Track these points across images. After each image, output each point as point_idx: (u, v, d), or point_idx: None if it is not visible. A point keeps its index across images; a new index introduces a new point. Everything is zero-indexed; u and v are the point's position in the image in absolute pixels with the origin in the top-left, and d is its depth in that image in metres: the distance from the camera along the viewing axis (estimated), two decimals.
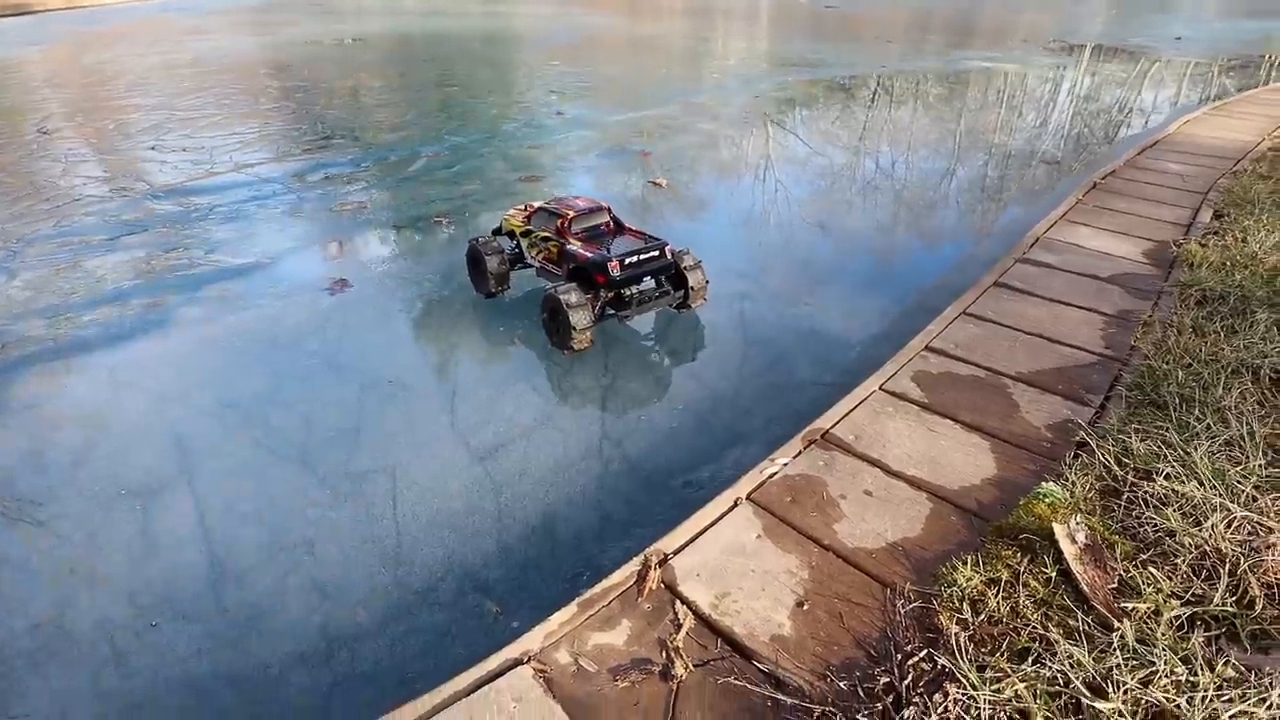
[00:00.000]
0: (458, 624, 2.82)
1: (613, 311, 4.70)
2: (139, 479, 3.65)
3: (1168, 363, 3.83)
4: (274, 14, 27.43)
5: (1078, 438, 3.33)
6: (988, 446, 3.33)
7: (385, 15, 27.56)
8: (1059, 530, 2.62)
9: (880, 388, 3.81)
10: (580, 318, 4.37)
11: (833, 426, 3.49)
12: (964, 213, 7.57)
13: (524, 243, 5.24)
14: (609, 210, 5.02)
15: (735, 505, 2.99)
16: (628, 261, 4.48)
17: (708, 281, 4.98)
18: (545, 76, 15.10)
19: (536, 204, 5.28)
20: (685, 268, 4.87)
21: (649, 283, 4.85)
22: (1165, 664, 2.12)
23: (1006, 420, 3.52)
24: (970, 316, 4.55)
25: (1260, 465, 2.95)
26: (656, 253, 4.63)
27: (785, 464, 3.24)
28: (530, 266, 5.28)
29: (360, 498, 3.49)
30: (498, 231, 5.52)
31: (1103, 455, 3.09)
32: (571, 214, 4.87)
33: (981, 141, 10.34)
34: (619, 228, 5.00)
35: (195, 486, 3.59)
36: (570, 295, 4.41)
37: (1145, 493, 2.84)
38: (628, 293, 4.68)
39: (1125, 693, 2.04)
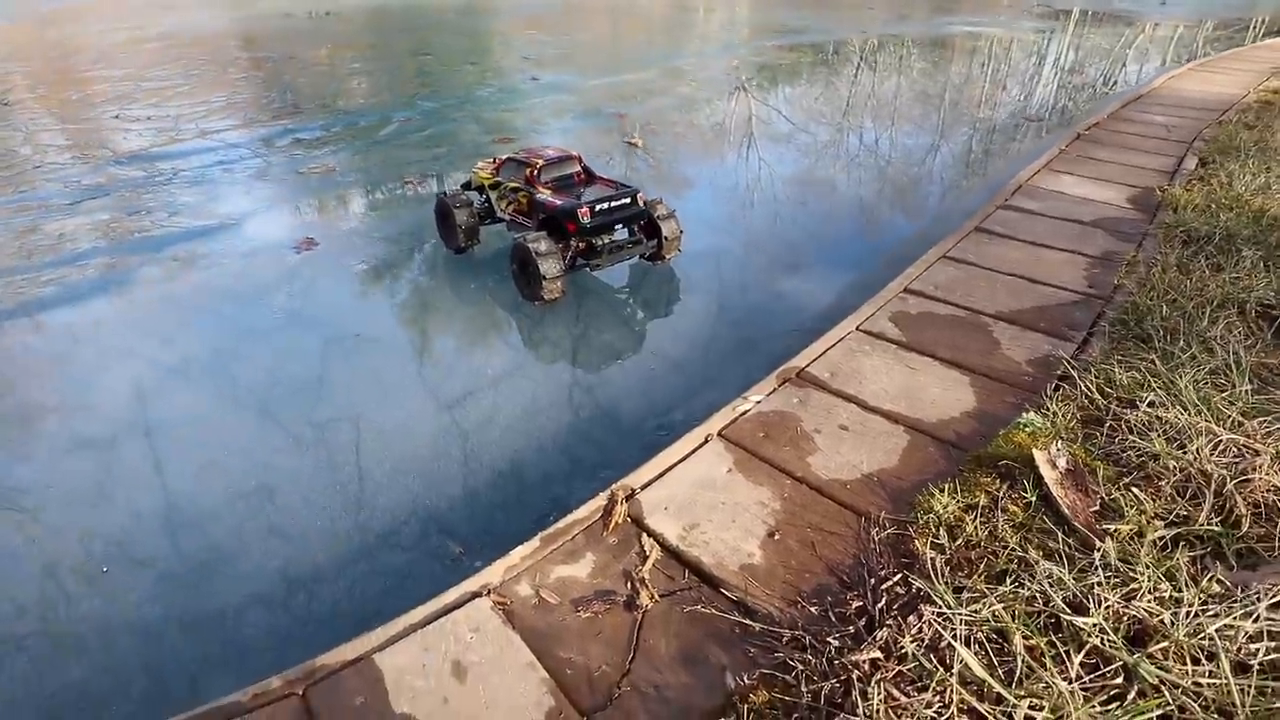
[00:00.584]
0: (419, 565, 2.71)
1: (584, 261, 4.52)
2: (96, 431, 3.50)
3: (1152, 299, 3.74)
4: None
5: (1059, 371, 3.25)
6: (967, 381, 3.24)
7: None
8: (1039, 456, 2.53)
9: (857, 328, 3.70)
10: (550, 266, 4.20)
11: (808, 365, 3.39)
12: (946, 168, 7.44)
13: (493, 195, 5.06)
14: (579, 159, 4.84)
15: (706, 441, 2.89)
16: (598, 208, 4.33)
17: (681, 231, 4.83)
18: (521, 44, 14.78)
19: (504, 156, 5.09)
20: (658, 217, 4.70)
21: (621, 232, 4.69)
22: (1149, 581, 2.04)
23: (986, 356, 3.42)
24: (950, 260, 4.45)
25: (1247, 391, 2.87)
26: (628, 200, 4.47)
27: (759, 401, 3.13)
28: (501, 220, 5.11)
29: (323, 446, 3.36)
30: (467, 186, 5.32)
31: (1085, 386, 3.00)
32: (540, 162, 4.69)
33: (965, 101, 10.19)
34: (590, 177, 4.82)
35: (154, 438, 3.45)
36: (539, 244, 4.25)
37: (1128, 420, 2.76)
38: (599, 242, 4.51)
39: (1106, 608, 1.96)
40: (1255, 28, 17.38)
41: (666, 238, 4.73)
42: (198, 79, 11.61)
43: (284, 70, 12.41)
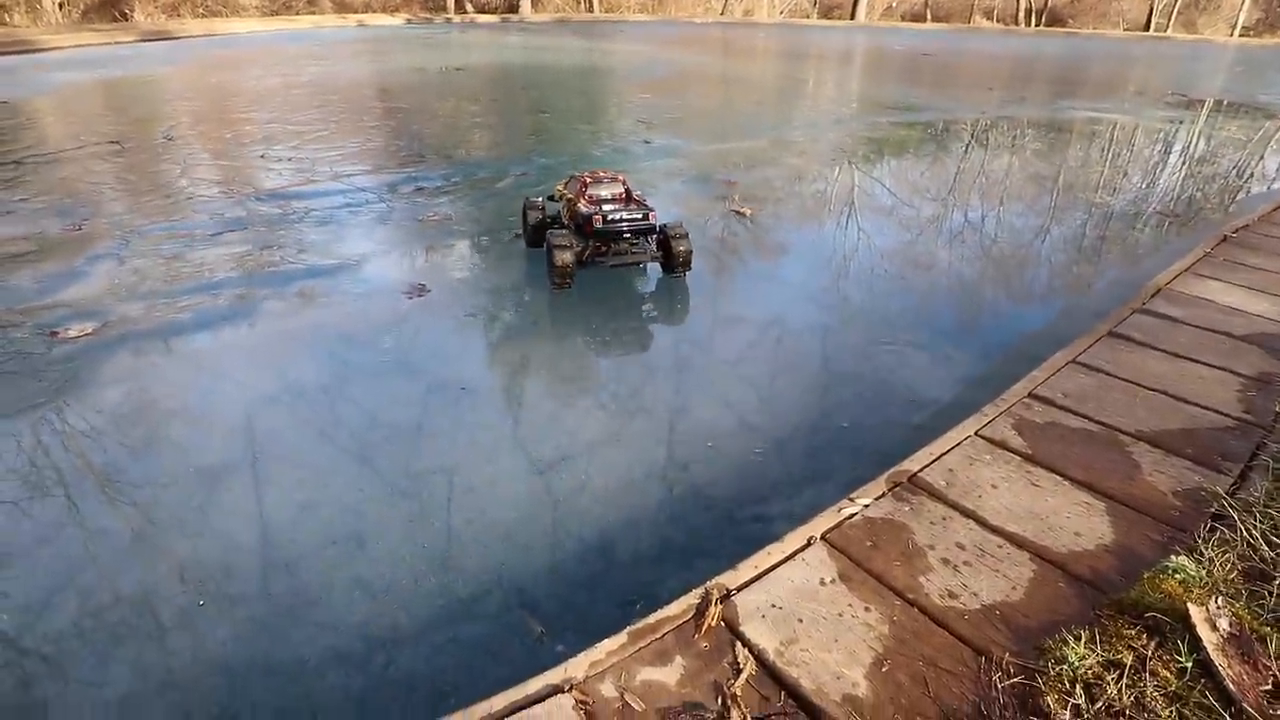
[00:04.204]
0: (499, 640, 2.64)
1: (599, 259, 5.66)
2: (208, 459, 3.68)
3: None
4: (387, 45, 29.21)
5: (1213, 508, 2.90)
6: (1102, 508, 2.93)
7: (490, 49, 28.88)
8: (1196, 613, 2.23)
9: (976, 433, 3.45)
10: (561, 256, 5.40)
11: (921, 470, 3.17)
12: (1069, 260, 7.06)
13: (560, 205, 6.24)
14: (624, 182, 5.93)
15: (809, 544, 2.72)
16: (610, 217, 5.44)
17: (690, 251, 5.76)
18: (636, 107, 15.32)
19: (574, 175, 6.27)
20: (671, 236, 5.68)
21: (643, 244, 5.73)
22: None
23: (1125, 481, 3.10)
24: (1081, 366, 4.13)
25: None
26: (640, 216, 5.51)
27: (866, 505, 2.94)
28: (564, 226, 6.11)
29: (416, 498, 3.39)
30: (550, 198, 6.51)
31: (1247, 530, 2.66)
32: (589, 180, 5.87)
33: (1088, 191, 9.73)
34: (628, 197, 5.84)
35: (259, 471, 3.59)
36: (558, 238, 5.46)
37: None
38: (612, 246, 5.60)
39: None
40: None
41: (675, 253, 5.72)
42: (336, 125, 12.61)
43: (413, 120, 13.31)
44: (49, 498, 3.39)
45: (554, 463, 3.67)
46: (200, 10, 37.85)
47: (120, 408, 4.15)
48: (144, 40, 28.01)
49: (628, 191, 5.90)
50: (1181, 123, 15.99)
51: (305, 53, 25.53)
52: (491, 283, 6.00)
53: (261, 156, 10.30)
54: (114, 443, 3.81)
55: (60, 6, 34.10)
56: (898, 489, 3.04)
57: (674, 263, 5.81)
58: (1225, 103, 19.36)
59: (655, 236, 5.76)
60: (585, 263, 5.63)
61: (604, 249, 5.64)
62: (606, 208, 5.56)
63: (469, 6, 47.16)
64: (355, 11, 42.91)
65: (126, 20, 34.60)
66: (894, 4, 56.34)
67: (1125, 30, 52.09)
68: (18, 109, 13.98)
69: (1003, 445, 3.35)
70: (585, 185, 5.83)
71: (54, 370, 4.53)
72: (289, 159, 10.13)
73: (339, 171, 9.42)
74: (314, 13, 41.36)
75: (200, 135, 11.94)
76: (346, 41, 30.47)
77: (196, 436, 3.87)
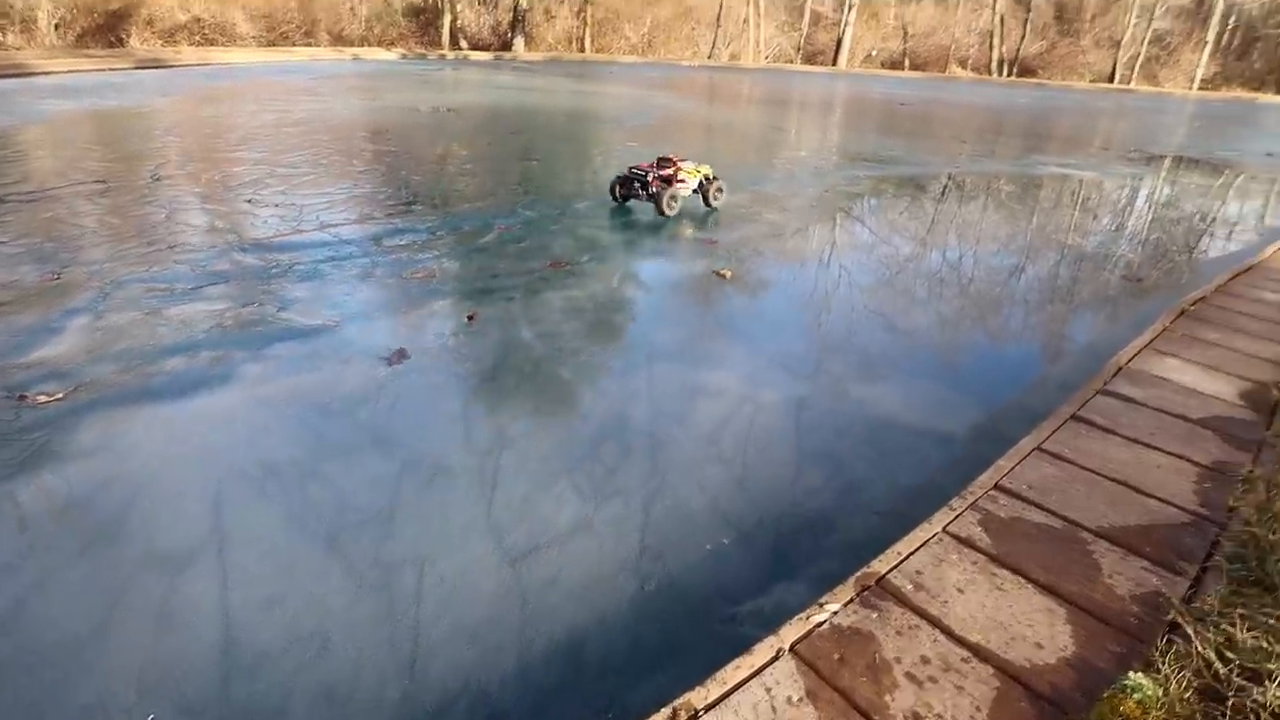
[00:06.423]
0: None
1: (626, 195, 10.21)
2: (171, 542, 3.64)
3: (1276, 532, 3.42)
4: (381, 81, 29.52)
5: (1170, 616, 2.97)
6: (1064, 615, 2.99)
7: (481, 88, 29.29)
8: None
9: (944, 529, 3.52)
10: (612, 188, 10.30)
11: (889, 571, 3.22)
12: (1034, 330, 7.26)
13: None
14: (675, 161, 9.99)
15: (777, 657, 2.74)
16: (625, 174, 10.04)
17: (674, 199, 9.82)
18: (620, 156, 15.56)
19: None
20: (657, 192, 9.69)
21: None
22: None
23: (1085, 584, 3.17)
24: (1045, 454, 4.23)
25: None
26: (644, 175, 9.79)
27: (835, 611, 2.98)
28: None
29: (384, 592, 3.37)
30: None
31: (1201, 645, 2.72)
32: (659, 159, 10.02)
33: (1053, 253, 10.03)
34: (662, 168, 9.91)
35: (223, 558, 3.55)
36: (614, 181, 10.32)
37: (1255, 701, 2.46)
38: (630, 191, 10.03)
39: None
40: None
41: (661, 200, 9.71)
42: (325, 169, 12.69)
43: (402, 165, 13.44)
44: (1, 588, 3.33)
45: (525, 552, 3.68)
46: (197, 39, 38.07)
47: (85, 485, 4.08)
48: (139, 68, 28.04)
49: (675, 168, 9.93)
50: (1142, 178, 16.61)
51: (300, 87, 25.72)
52: (472, 351, 6.03)
53: (249, 201, 10.32)
54: (77, 525, 3.76)
55: (56, 28, 34.13)
56: (865, 593, 3.08)
57: (659, 205, 9.76)
58: (1184, 159, 20.11)
59: (650, 190, 9.72)
60: (622, 195, 10.33)
61: (628, 190, 10.07)
62: (633, 168, 9.96)
63: (463, 43, 47.95)
64: (351, 45, 43.43)
65: (122, 46, 34.73)
66: (873, 52, 58.09)
67: (1092, 82, 54.11)
68: (6, 139, 13.93)
69: (969, 543, 3.41)
70: (654, 162, 10.00)
71: (20, 441, 4.46)
72: (276, 204, 10.16)
73: (325, 221, 9.46)
74: (310, 44, 41.80)
75: (188, 176, 11.94)
76: (341, 76, 30.77)
77: (163, 518, 3.83)
